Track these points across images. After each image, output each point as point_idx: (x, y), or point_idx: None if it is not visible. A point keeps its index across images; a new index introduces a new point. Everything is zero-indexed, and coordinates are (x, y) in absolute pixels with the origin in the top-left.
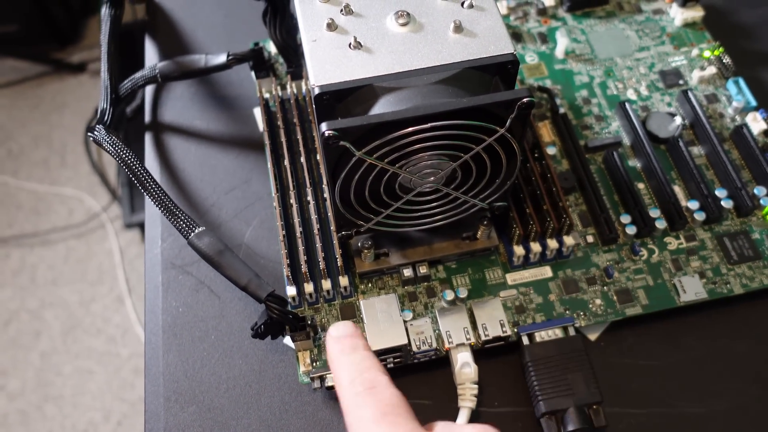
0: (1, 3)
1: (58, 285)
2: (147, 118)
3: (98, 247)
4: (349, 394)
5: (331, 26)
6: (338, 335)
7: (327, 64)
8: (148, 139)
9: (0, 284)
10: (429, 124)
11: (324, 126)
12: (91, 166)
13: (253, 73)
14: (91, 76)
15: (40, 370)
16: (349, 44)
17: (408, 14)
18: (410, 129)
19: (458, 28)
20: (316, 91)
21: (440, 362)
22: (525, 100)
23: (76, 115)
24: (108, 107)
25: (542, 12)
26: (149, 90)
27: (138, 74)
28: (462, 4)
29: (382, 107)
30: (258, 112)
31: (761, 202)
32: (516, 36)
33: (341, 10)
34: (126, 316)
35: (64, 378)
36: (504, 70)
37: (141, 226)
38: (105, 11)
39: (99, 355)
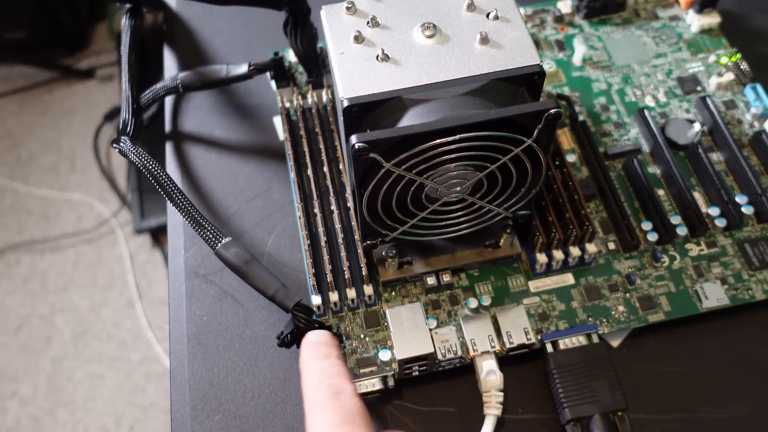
0: (9, 10)
1: (69, 291)
2: (167, 127)
3: (108, 253)
4: (313, 397)
5: (358, 39)
6: (315, 341)
7: (355, 76)
8: (168, 148)
9: (11, 290)
10: (457, 136)
11: (354, 138)
12: (101, 171)
13: (273, 82)
14: (99, 82)
15: (51, 375)
16: (377, 56)
17: (434, 26)
18: (438, 141)
19: (484, 40)
20: (345, 103)
21: (465, 369)
22: (552, 111)
23: (85, 121)
24: (130, 118)
25: (559, 19)
26: (169, 99)
27: (159, 85)
28: (488, 15)
29: (411, 119)
30: (278, 121)
31: None
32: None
33: (368, 23)
34: (137, 321)
35: (75, 383)
36: (530, 81)
37: (151, 231)
38: (125, 21)
39: (110, 360)
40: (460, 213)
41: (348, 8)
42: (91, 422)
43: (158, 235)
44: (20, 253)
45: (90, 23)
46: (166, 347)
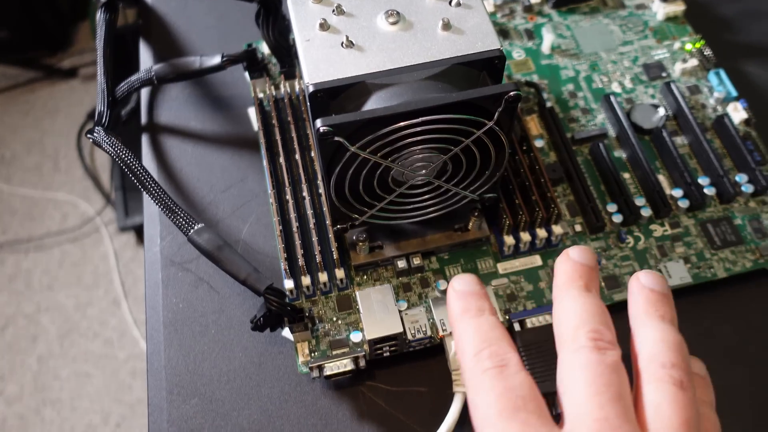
0: None
1: (54, 289)
2: (143, 119)
3: (93, 251)
4: (476, 369)
5: (324, 26)
6: (462, 290)
7: (320, 62)
8: (144, 140)
9: None
10: (419, 119)
11: (319, 122)
12: (85, 170)
13: (246, 74)
14: (82, 81)
15: (37, 374)
16: (342, 43)
17: (398, 13)
18: (402, 123)
19: (446, 26)
20: (311, 89)
21: (435, 350)
22: (512, 93)
23: (68, 120)
24: (105, 109)
25: (528, 9)
26: (145, 92)
27: (134, 77)
28: (450, 2)
29: (375, 103)
30: (252, 112)
31: (742, 189)
32: (503, 33)
33: (333, 11)
34: (122, 318)
35: (61, 382)
36: (491, 65)
37: (136, 229)
38: (100, 16)
39: (96, 358)
40: (427, 196)
41: None
42: (78, 420)
43: (143, 233)
44: (4, 252)
45: (72, 23)
46: None
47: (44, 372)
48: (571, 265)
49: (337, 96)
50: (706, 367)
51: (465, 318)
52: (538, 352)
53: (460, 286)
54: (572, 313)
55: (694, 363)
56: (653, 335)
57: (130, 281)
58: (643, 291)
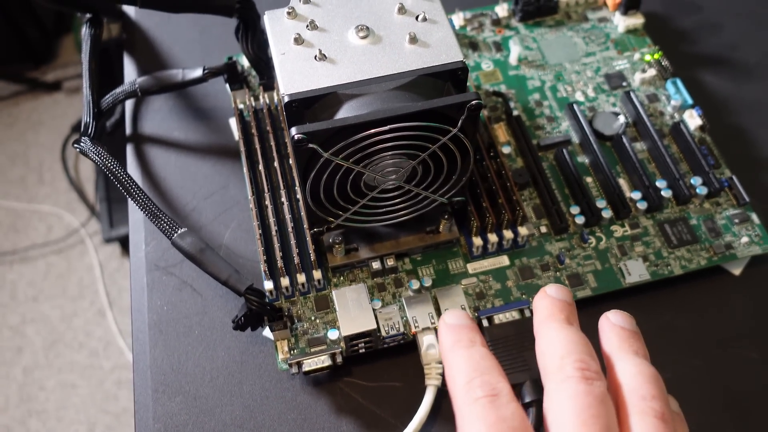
0: None
1: (39, 301)
2: (128, 130)
3: (78, 263)
4: (467, 399)
5: (298, 40)
6: (453, 323)
7: (295, 74)
8: (129, 150)
9: None
10: (388, 126)
11: (294, 130)
12: (69, 182)
13: (227, 86)
14: (66, 95)
15: (22, 385)
16: (315, 56)
17: (367, 28)
18: (372, 131)
19: (413, 40)
20: (286, 99)
21: (408, 347)
22: (473, 102)
23: (52, 133)
24: (91, 120)
25: (496, 22)
26: (129, 104)
27: (119, 89)
28: (416, 17)
29: (346, 112)
30: (233, 122)
31: (697, 191)
32: (472, 45)
33: (307, 26)
34: (108, 329)
35: (47, 392)
36: (455, 76)
37: (120, 240)
38: (85, 30)
39: (82, 369)
40: (398, 200)
41: (289, 13)
42: (64, 430)
43: (128, 244)
44: None
45: (56, 36)
46: None
47: (29, 383)
48: (550, 301)
49: (311, 106)
50: (678, 404)
51: (456, 349)
52: (504, 347)
53: (452, 320)
54: (557, 344)
55: (669, 400)
56: (631, 369)
57: (115, 292)
58: (614, 329)
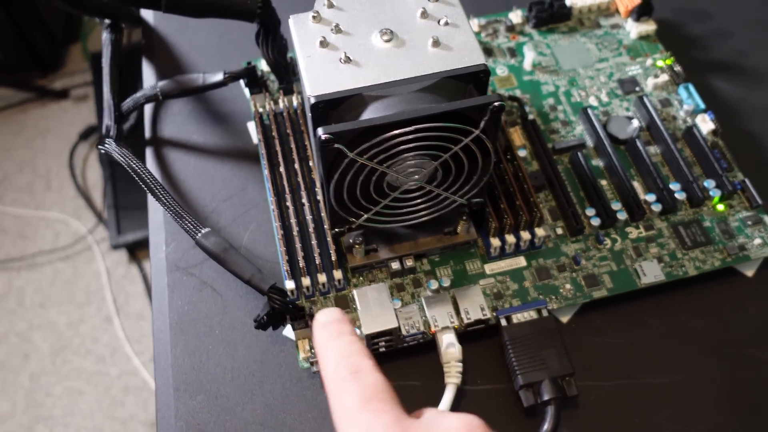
0: None
1: (46, 307)
2: (148, 134)
3: (85, 269)
4: (334, 379)
5: (324, 43)
6: (325, 321)
7: (321, 76)
8: (149, 153)
9: None
10: (412, 127)
11: (320, 130)
12: (76, 189)
13: (246, 90)
14: (73, 102)
15: (29, 391)
16: (340, 59)
17: (391, 31)
18: (396, 132)
19: (436, 43)
20: (312, 100)
21: (428, 346)
22: (496, 103)
23: (60, 140)
24: (113, 123)
25: (511, 29)
26: (148, 108)
27: (139, 93)
28: (439, 22)
29: (371, 113)
30: (252, 126)
31: (711, 193)
32: (487, 51)
33: (332, 29)
34: (114, 335)
35: (54, 399)
36: (477, 79)
37: (128, 246)
38: (105, 36)
39: (88, 375)
40: (419, 201)
41: (314, 17)
42: None
43: (135, 251)
44: None
45: (64, 45)
46: (145, 360)
47: (36, 389)
48: (321, 325)
49: (337, 107)
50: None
51: (327, 341)
52: (523, 345)
53: (324, 318)
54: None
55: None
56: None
57: (122, 298)
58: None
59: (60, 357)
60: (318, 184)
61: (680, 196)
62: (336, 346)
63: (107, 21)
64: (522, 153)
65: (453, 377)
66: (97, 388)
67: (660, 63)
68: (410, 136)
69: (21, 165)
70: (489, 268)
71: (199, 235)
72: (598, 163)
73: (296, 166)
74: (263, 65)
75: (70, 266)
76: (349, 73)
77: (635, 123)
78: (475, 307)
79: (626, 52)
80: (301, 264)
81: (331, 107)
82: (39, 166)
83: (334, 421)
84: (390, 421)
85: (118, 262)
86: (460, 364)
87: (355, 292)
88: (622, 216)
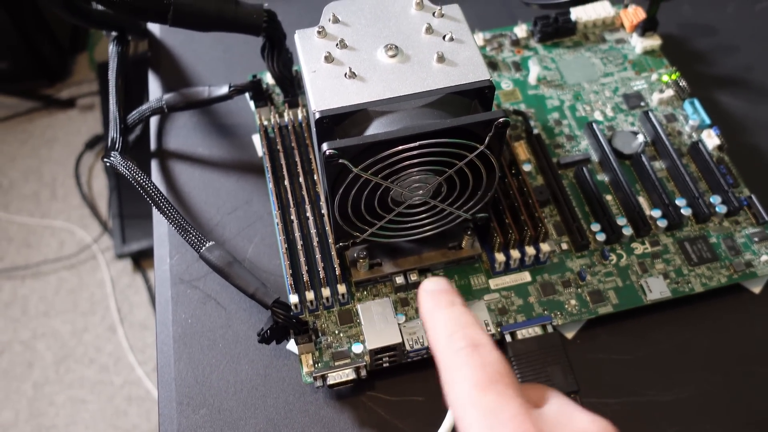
0: None
1: (50, 316)
2: (153, 146)
3: (89, 278)
4: (449, 350)
5: (329, 58)
6: (433, 289)
7: (326, 91)
8: (154, 165)
9: None
10: (417, 143)
11: (325, 145)
12: (82, 198)
13: (251, 103)
14: (80, 112)
15: (33, 400)
16: (345, 74)
17: (396, 47)
18: (400, 147)
19: (441, 59)
20: (317, 115)
21: (431, 361)
22: (501, 120)
23: (66, 149)
24: (118, 136)
25: (516, 43)
26: (154, 120)
27: (145, 106)
28: (444, 37)
29: (376, 129)
30: (257, 139)
31: (717, 209)
32: (492, 65)
33: (337, 45)
34: (118, 344)
35: (57, 408)
36: (482, 94)
37: (132, 256)
38: (112, 48)
39: (92, 384)
40: (423, 216)
41: (319, 32)
42: None
43: (140, 260)
44: (1, 279)
45: (71, 54)
46: (148, 370)
47: (39, 398)
48: (429, 294)
49: (341, 122)
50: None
51: (436, 310)
52: (527, 361)
53: (431, 287)
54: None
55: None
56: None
57: (126, 308)
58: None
59: (63, 366)
60: (322, 198)
61: (686, 211)
62: (449, 315)
63: (114, 33)
64: (527, 167)
65: None
66: (100, 397)
67: (665, 78)
68: (415, 152)
69: (27, 173)
70: (493, 283)
71: (204, 248)
72: (603, 178)
73: (301, 179)
74: (268, 78)
75: (75, 275)
76: (354, 88)
77: (640, 138)
78: (479, 322)
79: (631, 67)
80: (305, 278)
81: (335, 122)
82: (45, 174)
83: (449, 398)
84: (517, 412)
85: (122, 272)
86: None
87: (359, 306)
88: (628, 231)
